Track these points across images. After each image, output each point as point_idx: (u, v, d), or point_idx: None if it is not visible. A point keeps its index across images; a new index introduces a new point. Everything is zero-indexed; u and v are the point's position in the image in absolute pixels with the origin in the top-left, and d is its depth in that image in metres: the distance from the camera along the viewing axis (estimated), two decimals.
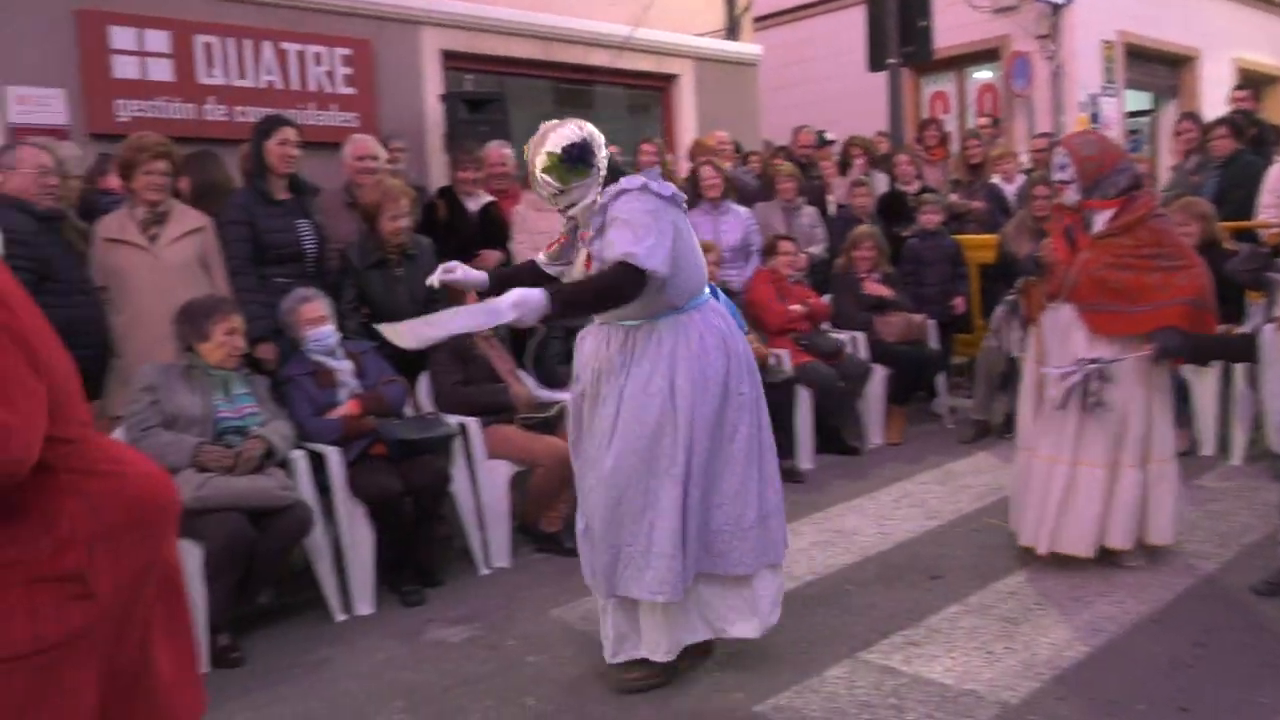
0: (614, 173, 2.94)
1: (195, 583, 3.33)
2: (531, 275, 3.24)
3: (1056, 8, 11.52)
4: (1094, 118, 11.48)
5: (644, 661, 3.04)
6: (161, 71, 6.28)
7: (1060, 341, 3.77)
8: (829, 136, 8.73)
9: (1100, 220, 3.70)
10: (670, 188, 2.90)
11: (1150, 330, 3.54)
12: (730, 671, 3.17)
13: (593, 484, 3.00)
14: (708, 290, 3.08)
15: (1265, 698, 2.83)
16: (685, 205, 3.00)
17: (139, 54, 6.20)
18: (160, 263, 4.06)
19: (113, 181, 4.51)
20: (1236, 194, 6.38)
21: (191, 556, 3.33)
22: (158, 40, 6.27)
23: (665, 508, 2.86)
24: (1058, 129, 11.09)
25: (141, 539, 1.79)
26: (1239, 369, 5.09)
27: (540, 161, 2.88)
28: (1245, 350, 3.92)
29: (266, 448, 3.61)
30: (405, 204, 4.54)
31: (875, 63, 8.35)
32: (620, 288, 2.76)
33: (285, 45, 6.82)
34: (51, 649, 1.66)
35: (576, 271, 3.01)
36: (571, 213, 3.01)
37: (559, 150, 2.84)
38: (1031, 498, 3.83)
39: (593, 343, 3.04)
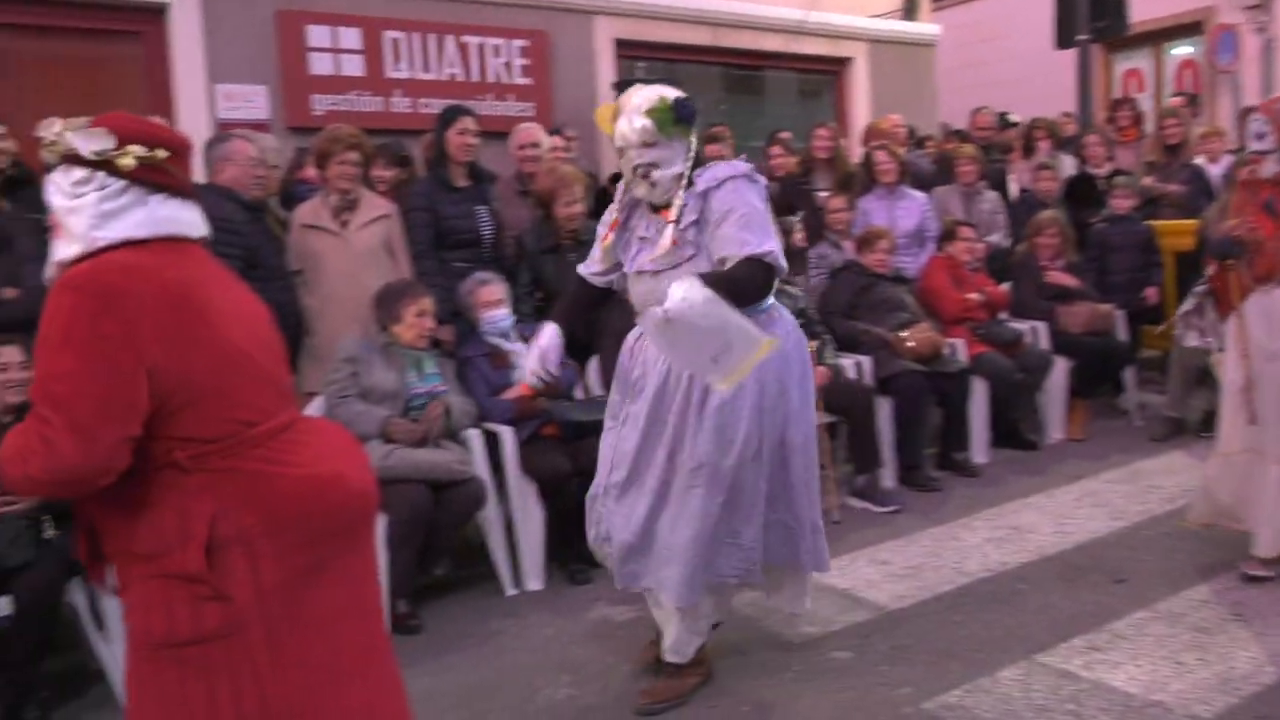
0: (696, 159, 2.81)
1: (380, 550, 3.52)
2: (588, 300, 3.20)
3: None
4: None
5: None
6: (353, 67, 6.63)
7: (1271, 330, 3.49)
8: (1012, 118, 8.35)
9: None
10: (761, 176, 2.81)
11: None
12: (898, 666, 3.10)
13: (690, 482, 2.79)
14: None
15: None
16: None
17: (333, 51, 6.56)
18: (350, 247, 4.29)
19: (310, 173, 4.79)
20: None
21: (378, 525, 3.52)
22: (350, 37, 6.61)
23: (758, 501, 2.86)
24: None
25: (296, 543, 1.77)
26: None
27: (644, 102, 2.66)
28: None
29: (446, 407, 3.78)
30: (579, 190, 4.64)
31: (1063, 39, 7.92)
32: (759, 287, 2.67)
33: (466, 38, 7.06)
34: (187, 644, 1.71)
35: (660, 252, 2.76)
36: (653, 175, 2.73)
37: (672, 99, 2.67)
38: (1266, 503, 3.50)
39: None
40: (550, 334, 2.97)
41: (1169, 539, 4.02)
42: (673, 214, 2.74)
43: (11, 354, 3.19)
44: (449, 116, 4.66)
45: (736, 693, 3.01)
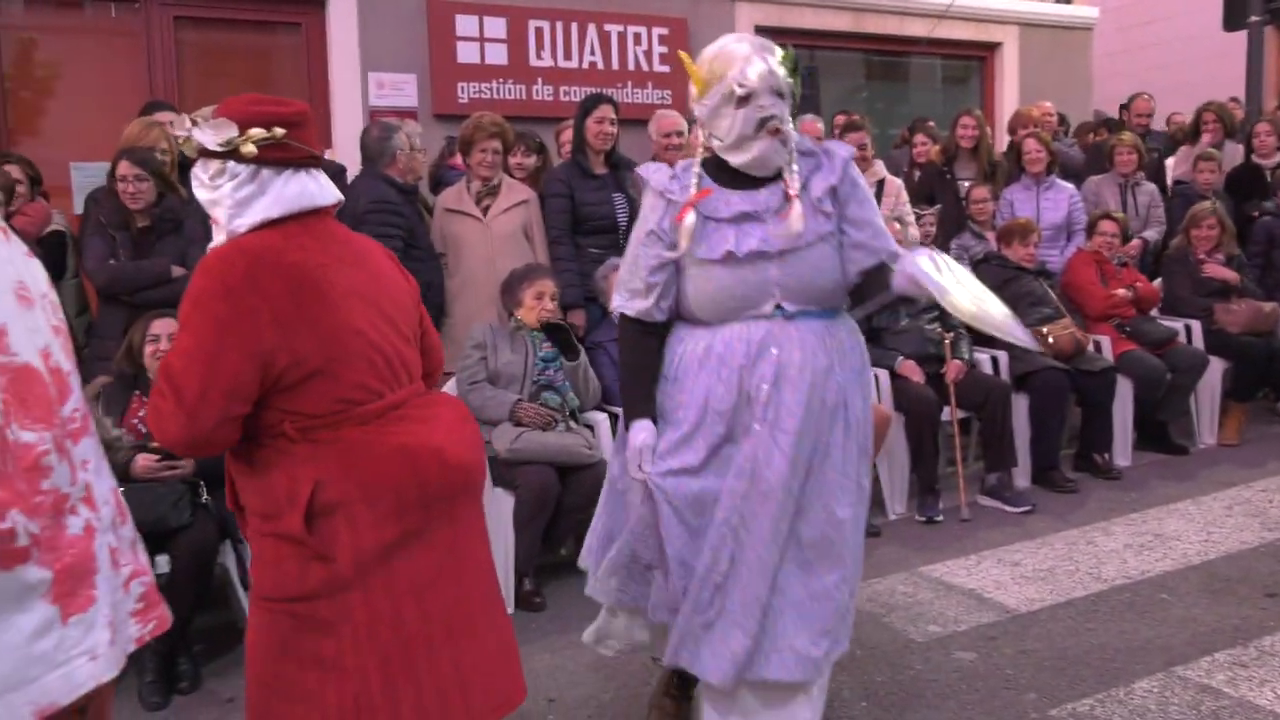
0: None
1: (507, 529, 3.64)
2: (659, 350, 2.46)
3: None
4: None
5: None
6: (498, 56, 6.80)
7: None
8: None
9: None
10: None
11: None
12: (1025, 670, 3.02)
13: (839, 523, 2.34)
14: None
15: None
16: None
17: (479, 40, 6.74)
18: (490, 232, 4.43)
19: (459, 160, 4.95)
20: None
21: (504, 504, 3.64)
22: (495, 27, 6.78)
23: None
24: None
25: (392, 511, 1.86)
26: None
27: (777, 61, 2.24)
28: None
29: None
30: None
31: (1232, 21, 7.48)
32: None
33: (608, 26, 7.15)
34: (295, 600, 1.85)
35: (793, 229, 2.24)
36: (785, 130, 2.25)
37: (793, 54, 2.30)
38: None
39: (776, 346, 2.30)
40: (648, 433, 2.36)
41: None
42: (795, 185, 2.28)
43: (165, 326, 3.42)
44: (589, 105, 4.74)
45: (855, 688, 2.99)
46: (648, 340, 2.40)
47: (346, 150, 6.04)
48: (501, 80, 6.82)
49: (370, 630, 1.86)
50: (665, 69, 7.33)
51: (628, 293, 2.40)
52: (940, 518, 4.42)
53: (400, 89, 6.57)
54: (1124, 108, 7.53)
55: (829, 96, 8.51)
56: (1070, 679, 2.94)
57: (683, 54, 2.43)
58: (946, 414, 4.56)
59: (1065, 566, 3.82)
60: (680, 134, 5.39)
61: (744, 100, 2.22)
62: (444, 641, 1.94)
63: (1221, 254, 5.56)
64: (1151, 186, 6.09)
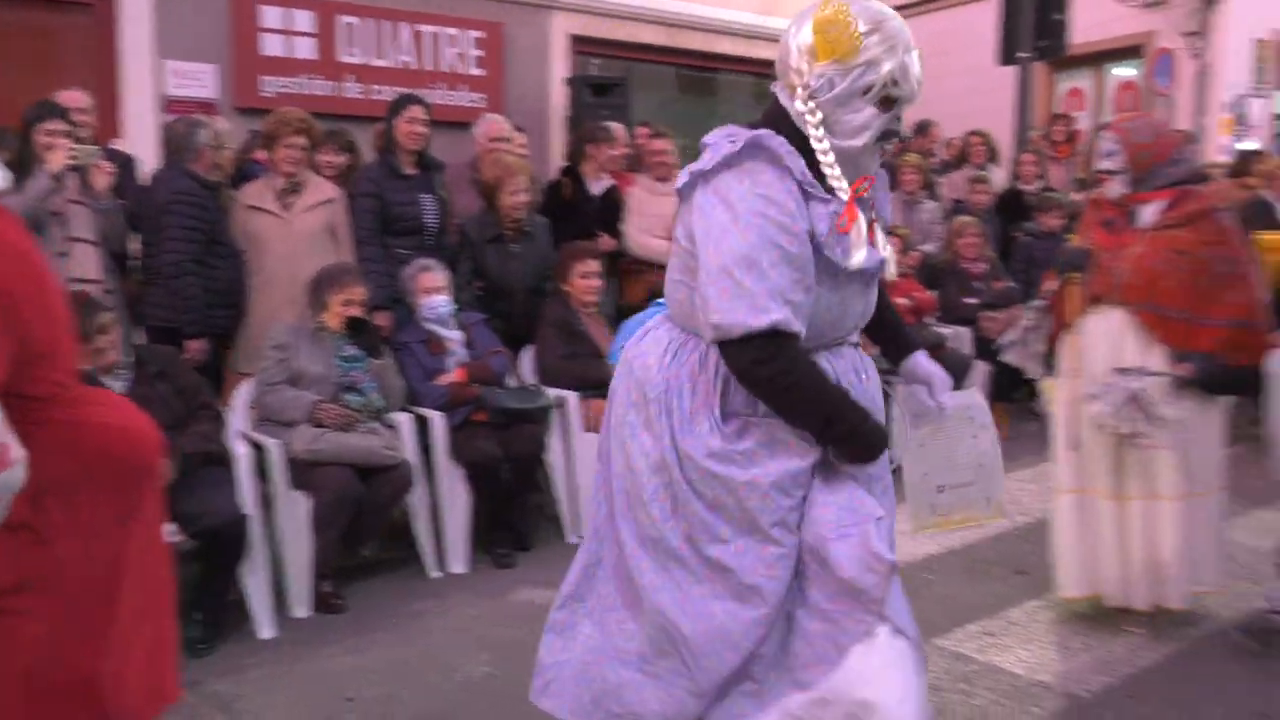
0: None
1: (304, 531, 3.60)
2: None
3: (1210, 3, 11.01)
4: (1239, 119, 10.94)
5: None
6: (305, 50, 6.66)
7: (1109, 352, 3.24)
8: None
9: (1149, 213, 3.23)
10: None
11: (1193, 348, 3.12)
12: None
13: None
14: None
15: None
16: None
17: (285, 33, 6.58)
18: (292, 230, 4.35)
19: (262, 154, 4.84)
20: None
21: (301, 506, 3.60)
22: (303, 20, 6.65)
23: None
24: (1199, 130, 10.61)
25: (104, 493, 1.85)
26: None
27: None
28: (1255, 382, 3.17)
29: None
30: (524, 180, 4.72)
31: (1006, 56, 8.15)
32: None
33: (421, 27, 7.13)
34: (6, 593, 1.78)
35: (861, 257, 1.86)
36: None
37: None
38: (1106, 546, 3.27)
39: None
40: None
41: None
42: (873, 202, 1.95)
43: None
44: (399, 105, 4.73)
45: None
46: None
47: (138, 141, 5.78)
48: (309, 75, 6.69)
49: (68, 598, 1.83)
50: (481, 72, 7.36)
51: (775, 303, 1.73)
52: None
53: (198, 79, 6.34)
54: (919, 132, 8.08)
55: (644, 108, 8.76)
56: None
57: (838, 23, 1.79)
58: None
59: None
60: (508, 140, 5.46)
61: (889, 104, 1.84)
62: (136, 623, 1.94)
63: (984, 262, 6.08)
64: (933, 204, 6.59)
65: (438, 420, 4.06)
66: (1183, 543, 3.16)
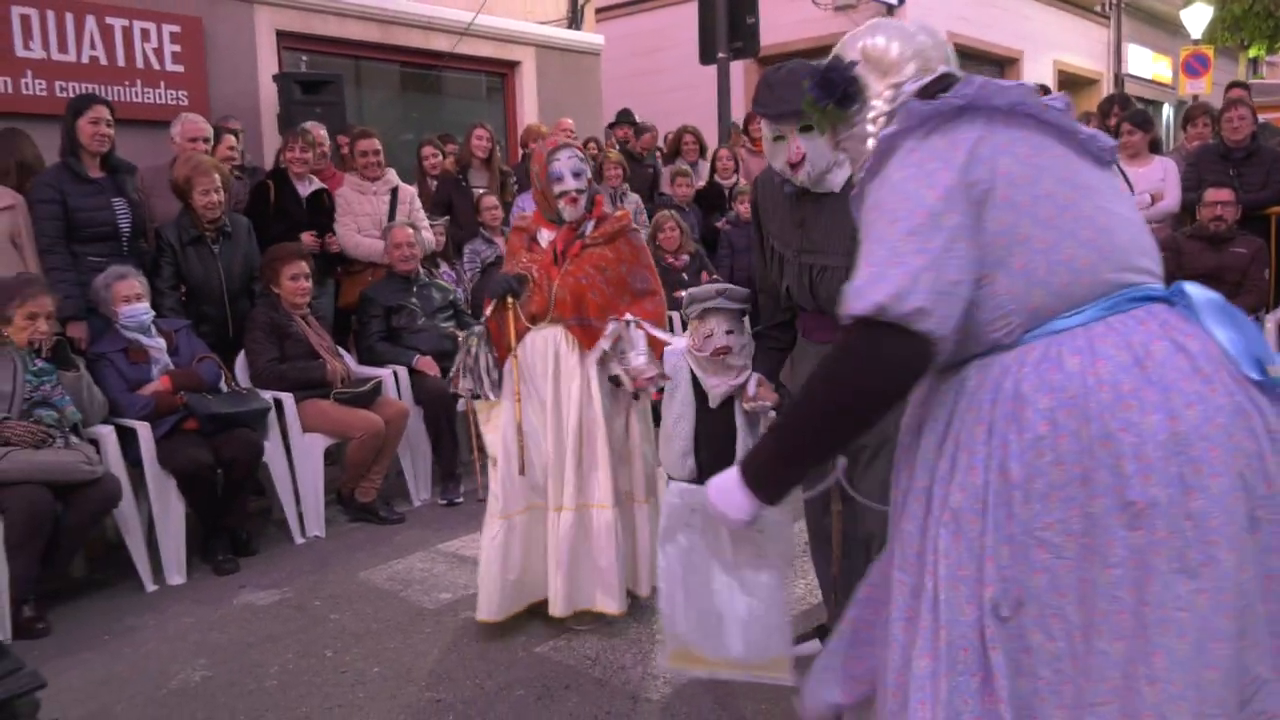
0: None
1: None
2: None
3: (891, 8, 12.21)
4: None
5: None
6: None
7: (547, 369, 3.28)
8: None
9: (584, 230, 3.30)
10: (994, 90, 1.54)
11: None
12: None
13: None
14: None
15: None
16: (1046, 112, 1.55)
17: None
18: None
19: None
20: None
21: None
22: None
23: None
24: None
25: None
26: None
27: None
28: None
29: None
30: (216, 179, 4.61)
31: (705, 56, 8.72)
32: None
33: (110, 20, 6.71)
34: None
35: None
36: None
37: (806, 84, 1.72)
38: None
39: None
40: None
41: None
42: None
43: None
44: (80, 105, 4.50)
45: (364, 654, 3.24)
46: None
47: None
48: None
49: None
50: (179, 69, 7.04)
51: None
52: (460, 500, 4.81)
53: None
54: (637, 133, 8.43)
55: (366, 106, 8.66)
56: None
57: None
58: (462, 405, 4.92)
59: None
60: (207, 140, 5.28)
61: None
62: None
63: (684, 253, 6.53)
64: (635, 197, 6.97)
65: (142, 430, 3.95)
66: (619, 549, 3.25)
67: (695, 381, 3.04)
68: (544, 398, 3.28)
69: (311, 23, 7.91)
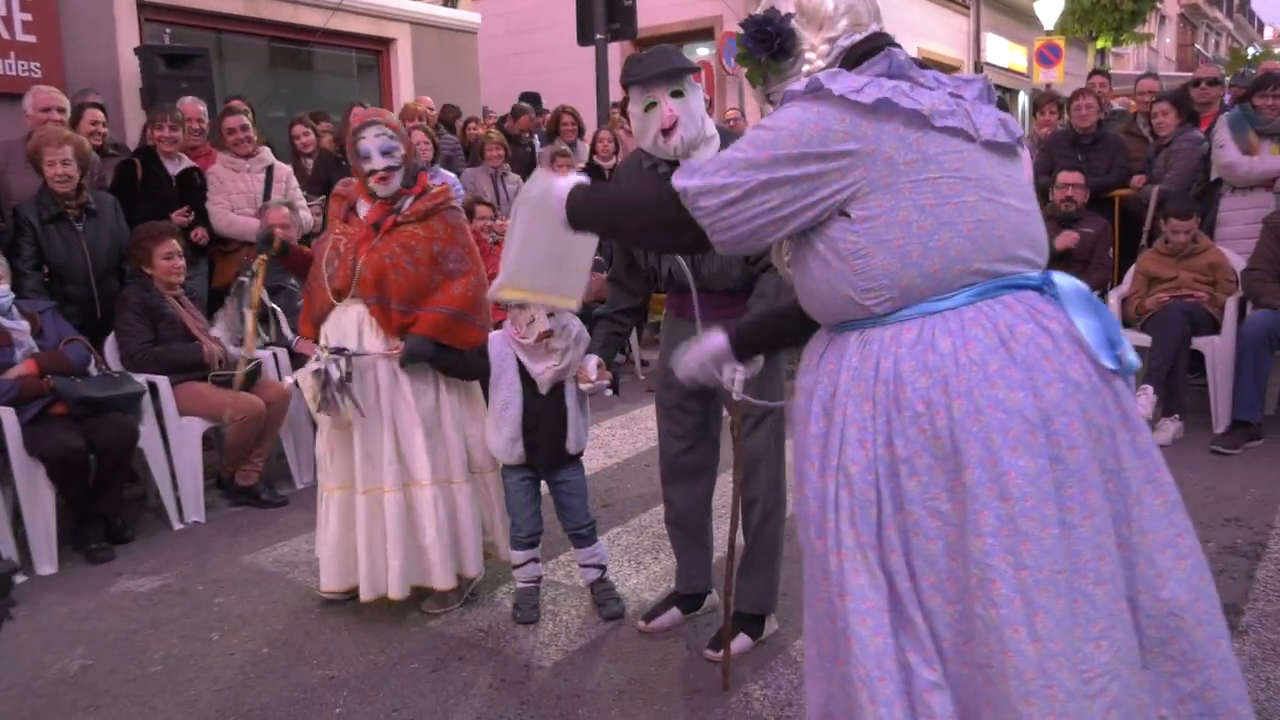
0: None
1: None
2: None
3: None
4: None
5: None
6: None
7: (350, 344, 3.20)
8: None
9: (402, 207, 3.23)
10: (882, 87, 1.59)
11: (409, 332, 3.18)
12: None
13: None
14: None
15: None
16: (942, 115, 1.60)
17: None
18: None
19: None
20: None
21: None
22: None
23: None
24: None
25: None
26: None
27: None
28: (481, 368, 3.24)
29: None
30: (68, 150, 4.41)
31: (583, 37, 8.76)
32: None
33: None
34: None
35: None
36: None
37: (740, 28, 1.81)
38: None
39: None
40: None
41: (649, 469, 4.78)
42: None
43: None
44: None
45: (252, 635, 3.22)
46: None
47: None
48: None
49: None
50: (30, 38, 6.69)
51: None
52: None
53: None
54: (514, 114, 8.39)
55: (233, 81, 8.38)
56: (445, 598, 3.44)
57: None
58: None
59: None
60: (62, 110, 5.05)
61: None
62: None
63: None
64: (516, 176, 6.98)
65: (7, 415, 3.79)
66: (439, 525, 3.24)
67: (521, 367, 3.12)
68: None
69: None
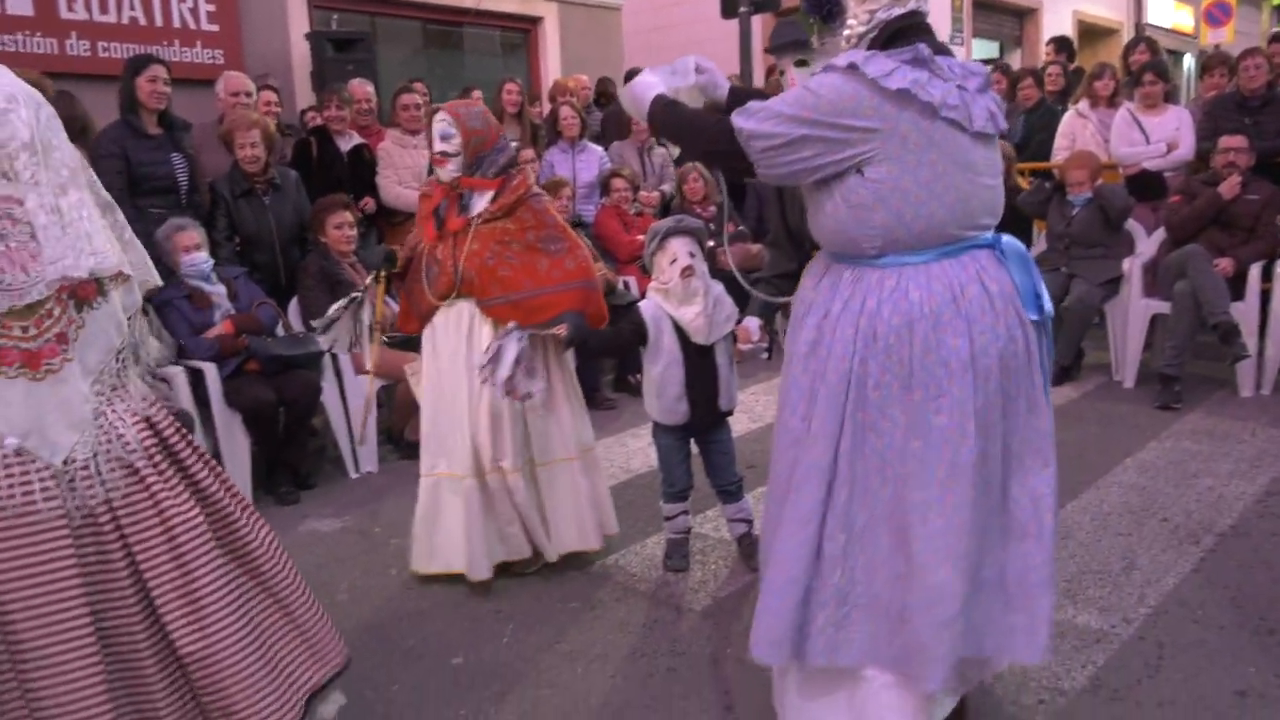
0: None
1: None
2: None
3: None
4: None
5: None
6: (20, 5, 6.34)
7: (461, 342, 3.30)
8: None
9: (480, 202, 3.30)
10: (905, 77, 1.91)
11: (550, 317, 3.20)
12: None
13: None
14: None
15: None
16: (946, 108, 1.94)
17: None
18: None
19: None
20: (1038, 138, 7.18)
21: None
22: None
23: None
24: None
25: None
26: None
27: None
28: (634, 338, 3.31)
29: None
30: (256, 134, 4.83)
31: (727, 10, 8.82)
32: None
33: None
34: None
35: None
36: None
37: None
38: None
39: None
40: None
41: None
42: None
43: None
44: (138, 64, 4.73)
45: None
46: None
47: None
48: (28, 33, 6.38)
49: None
50: (214, 28, 7.23)
51: None
52: None
53: None
54: None
55: (389, 63, 8.82)
56: (610, 544, 3.66)
57: None
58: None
59: (605, 467, 4.60)
60: (249, 94, 5.51)
61: None
62: None
63: (711, 203, 6.71)
64: (663, 150, 7.14)
65: (210, 371, 4.21)
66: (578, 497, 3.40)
67: (677, 330, 3.25)
68: (459, 371, 3.28)
69: None
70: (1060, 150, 6.79)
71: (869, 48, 2.02)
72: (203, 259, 4.42)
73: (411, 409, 4.79)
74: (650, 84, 2.24)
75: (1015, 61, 14.24)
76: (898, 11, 2.02)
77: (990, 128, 2.00)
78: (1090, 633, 2.91)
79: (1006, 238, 2.09)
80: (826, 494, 2.05)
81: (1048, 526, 2.09)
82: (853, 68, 1.92)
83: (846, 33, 2.06)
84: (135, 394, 2.05)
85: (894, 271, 2.00)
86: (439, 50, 9.49)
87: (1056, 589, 2.36)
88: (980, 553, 2.02)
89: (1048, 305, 2.09)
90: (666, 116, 2.20)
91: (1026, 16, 15.43)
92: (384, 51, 8.92)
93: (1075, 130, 6.76)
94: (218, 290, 4.44)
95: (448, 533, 3.36)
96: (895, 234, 1.98)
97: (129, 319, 2.07)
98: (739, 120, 1.99)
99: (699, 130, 2.15)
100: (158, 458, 2.02)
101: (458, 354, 3.29)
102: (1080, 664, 2.74)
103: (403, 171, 5.68)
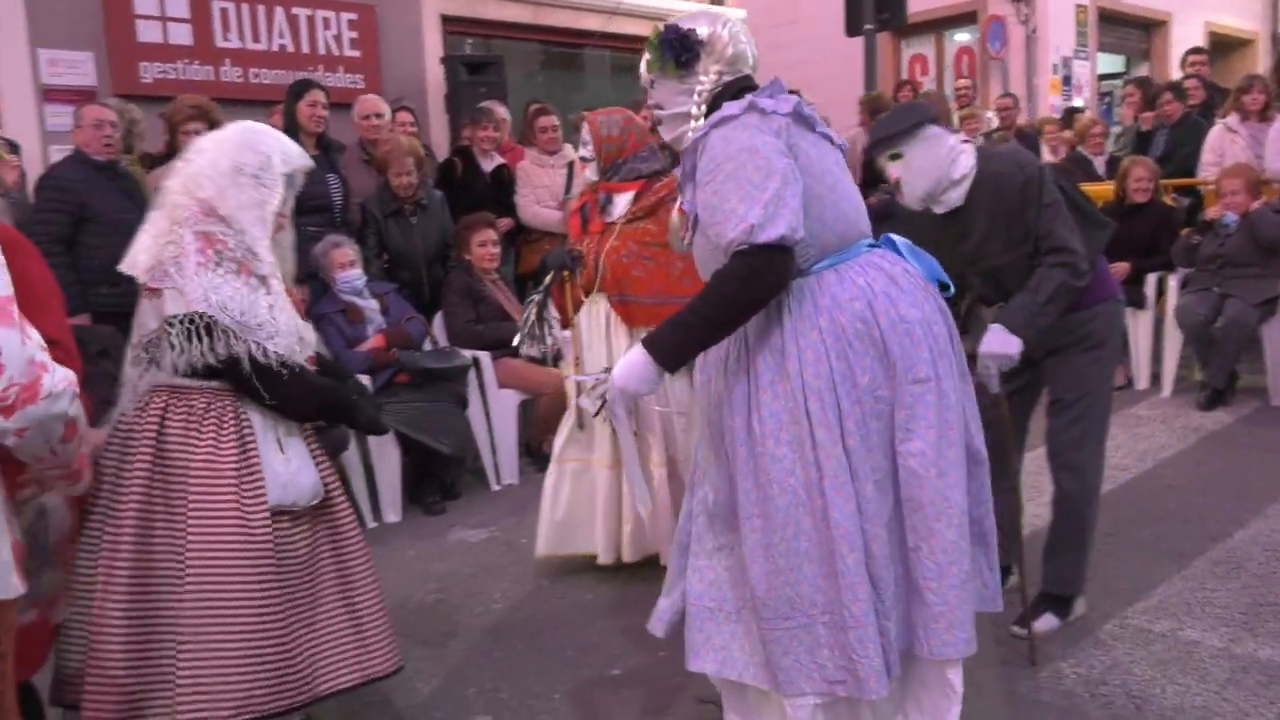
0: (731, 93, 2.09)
1: None
2: None
3: None
4: (1066, 80, 11.95)
5: None
6: (181, 35, 6.71)
7: (601, 339, 3.46)
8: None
9: (621, 204, 3.46)
10: (790, 102, 2.05)
11: None
12: None
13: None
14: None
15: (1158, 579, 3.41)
16: (816, 122, 2.12)
17: (161, 19, 6.62)
18: None
19: None
20: (1182, 152, 6.93)
21: None
22: (177, 5, 6.68)
23: None
24: (1030, 92, 11.58)
25: None
26: (1168, 311, 5.69)
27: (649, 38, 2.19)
28: None
29: None
30: (410, 161, 5.00)
31: (852, 27, 8.78)
32: (749, 288, 1.96)
33: (296, 10, 7.24)
34: None
35: (671, 234, 2.22)
36: (665, 137, 2.27)
37: (662, 28, 2.15)
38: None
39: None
40: None
41: None
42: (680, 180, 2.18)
43: None
44: (299, 89, 4.96)
45: (576, 585, 3.55)
46: None
47: (20, 131, 5.79)
48: (187, 61, 6.74)
49: None
50: (356, 54, 7.52)
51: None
52: None
53: (76, 67, 6.33)
54: None
55: (510, 84, 9.03)
56: None
57: None
58: None
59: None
60: (381, 116, 5.71)
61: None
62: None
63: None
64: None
65: (364, 383, 4.35)
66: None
67: None
68: (601, 363, 3.38)
69: (473, 7, 8.33)
70: (1208, 166, 6.54)
71: (710, 103, 2.10)
72: (357, 275, 4.59)
73: (549, 424, 4.89)
74: (634, 363, 2.07)
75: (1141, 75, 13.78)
76: (734, 76, 2.15)
77: (840, 141, 2.20)
78: (1274, 667, 2.78)
79: (895, 236, 2.21)
80: (855, 504, 1.99)
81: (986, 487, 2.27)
82: (752, 105, 2.01)
83: (697, 87, 2.12)
84: None
85: (830, 271, 2.06)
86: (557, 72, 9.68)
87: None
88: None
89: (950, 285, 2.23)
90: (687, 329, 2.02)
91: (1154, 29, 14.90)
92: (507, 74, 9.15)
93: (1224, 145, 6.50)
94: (370, 305, 4.60)
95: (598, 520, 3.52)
96: (823, 239, 2.06)
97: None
98: (762, 237, 1.89)
99: (731, 293, 1.96)
100: None
101: (599, 357, 3.43)
102: (1269, 700, 2.62)
103: (540, 191, 5.80)
